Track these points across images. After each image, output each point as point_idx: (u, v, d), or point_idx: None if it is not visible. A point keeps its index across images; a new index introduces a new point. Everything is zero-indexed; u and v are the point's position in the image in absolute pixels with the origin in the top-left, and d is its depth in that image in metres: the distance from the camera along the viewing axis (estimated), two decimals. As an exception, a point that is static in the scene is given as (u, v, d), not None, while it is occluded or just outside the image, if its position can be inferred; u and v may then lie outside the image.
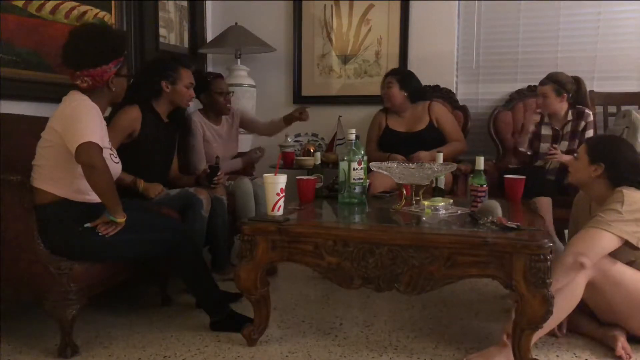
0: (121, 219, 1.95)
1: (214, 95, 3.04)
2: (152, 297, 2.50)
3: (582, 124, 2.93)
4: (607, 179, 2.00)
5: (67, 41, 2.01)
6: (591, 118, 2.95)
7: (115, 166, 2.08)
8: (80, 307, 1.94)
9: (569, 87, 2.96)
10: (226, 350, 1.99)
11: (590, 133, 2.94)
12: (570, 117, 2.96)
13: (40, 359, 1.94)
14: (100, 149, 1.90)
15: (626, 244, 1.86)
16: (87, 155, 1.85)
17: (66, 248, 1.93)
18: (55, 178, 1.96)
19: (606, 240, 1.85)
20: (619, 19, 3.41)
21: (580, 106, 2.98)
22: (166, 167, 2.73)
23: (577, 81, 3.02)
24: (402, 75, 3.34)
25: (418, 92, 3.36)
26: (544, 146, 3.01)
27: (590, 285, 1.88)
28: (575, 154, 2.85)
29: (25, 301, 2.09)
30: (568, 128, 2.97)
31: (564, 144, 2.97)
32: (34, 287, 1.93)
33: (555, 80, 2.94)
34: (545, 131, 3.03)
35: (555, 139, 3.00)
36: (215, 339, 2.09)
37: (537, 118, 3.08)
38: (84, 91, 2.01)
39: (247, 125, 3.33)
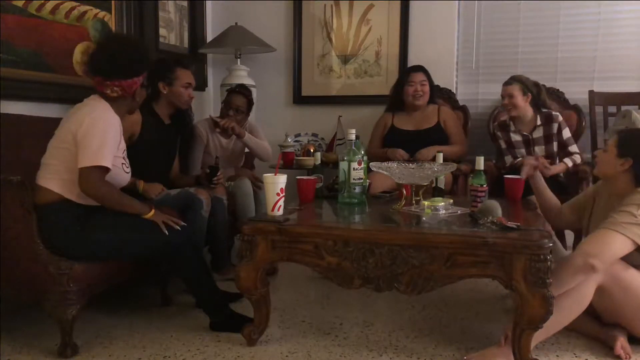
0: (149, 213, 2.03)
1: (222, 106, 3.10)
2: (152, 297, 2.50)
3: (555, 126, 2.95)
4: (632, 174, 1.94)
5: (97, 50, 2.06)
6: (561, 118, 2.98)
7: (124, 176, 2.11)
8: (80, 307, 1.94)
9: (532, 88, 2.99)
10: (226, 350, 1.99)
11: (567, 132, 2.97)
12: (538, 122, 2.98)
13: (40, 359, 1.94)
14: (104, 171, 1.94)
15: (638, 248, 1.84)
16: (86, 182, 1.92)
17: (66, 248, 1.93)
18: (65, 179, 1.97)
19: (618, 242, 1.82)
20: (619, 19, 3.41)
21: (546, 110, 3.02)
22: (166, 169, 2.73)
23: (537, 85, 3.04)
24: (428, 73, 3.34)
25: (434, 92, 3.38)
26: (521, 152, 3.02)
27: (600, 289, 1.86)
28: (574, 156, 2.89)
29: (25, 301, 2.09)
30: (539, 133, 2.98)
31: (540, 149, 2.99)
32: (34, 287, 1.93)
33: (519, 80, 2.97)
34: (516, 137, 3.03)
35: (527, 144, 3.01)
36: (215, 339, 2.09)
37: (500, 135, 3.07)
38: (106, 98, 2.03)
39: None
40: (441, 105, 3.39)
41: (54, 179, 1.97)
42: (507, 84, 2.99)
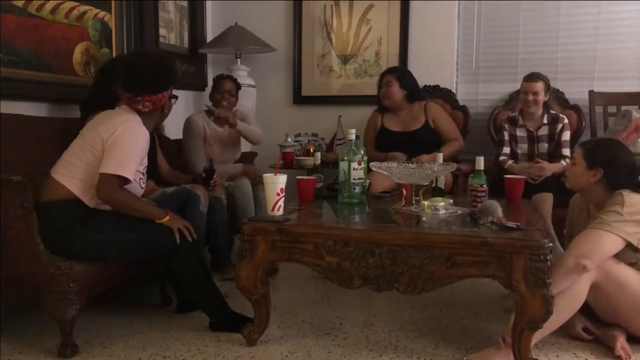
0: (165, 218, 2.04)
1: (212, 94, 3.17)
2: (152, 297, 2.50)
3: (559, 126, 3.01)
4: (605, 183, 1.99)
5: (127, 68, 2.09)
6: (566, 121, 3.04)
7: (139, 190, 2.12)
8: (80, 307, 1.94)
9: (550, 88, 3.06)
10: (226, 350, 1.99)
11: (567, 135, 3.02)
12: (545, 121, 3.03)
13: (40, 359, 1.94)
14: (124, 181, 1.96)
15: (628, 245, 1.86)
16: (105, 188, 1.94)
17: (66, 248, 1.93)
18: (83, 180, 1.99)
19: (608, 241, 1.84)
20: (619, 19, 3.41)
21: (554, 112, 3.08)
22: (151, 163, 2.69)
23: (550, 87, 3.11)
24: (401, 73, 3.35)
25: (415, 91, 3.38)
26: (523, 147, 3.09)
27: (594, 287, 1.87)
28: (564, 160, 2.91)
29: (25, 301, 2.09)
30: (544, 131, 3.04)
31: (543, 146, 3.04)
32: (34, 287, 1.92)
33: (543, 79, 3.02)
34: (521, 133, 3.09)
35: (531, 140, 3.06)
36: (215, 339, 2.09)
37: (507, 127, 3.13)
38: (137, 112, 2.07)
39: None
40: (428, 102, 3.38)
41: (73, 177, 1.98)
42: (532, 80, 3.01)
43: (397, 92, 3.29)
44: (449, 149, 3.17)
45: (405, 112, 3.35)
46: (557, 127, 3.01)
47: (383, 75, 3.39)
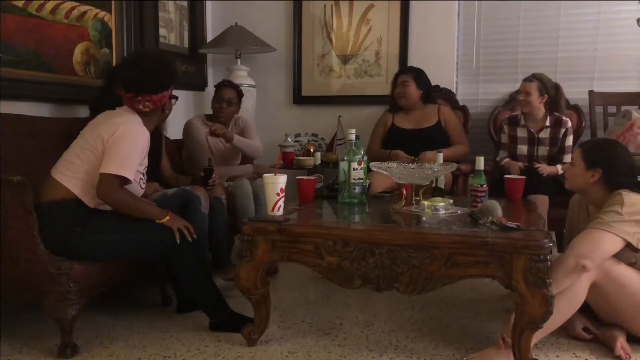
0: (165, 218, 2.04)
1: (212, 101, 3.15)
2: (152, 297, 2.50)
3: (562, 130, 2.98)
4: (604, 183, 1.99)
5: (127, 68, 2.10)
6: (570, 125, 3.00)
7: (139, 191, 2.13)
8: (80, 307, 1.94)
9: (550, 90, 3.00)
10: (226, 350, 1.99)
11: (570, 140, 2.99)
12: (548, 123, 3.00)
13: (40, 359, 1.94)
14: (124, 181, 1.97)
15: (627, 245, 1.86)
16: (105, 188, 1.95)
17: (66, 248, 1.93)
18: (84, 180, 1.99)
19: (608, 241, 1.84)
20: (619, 19, 3.41)
21: (558, 114, 3.03)
22: (155, 165, 2.70)
23: (557, 88, 3.05)
24: (417, 73, 3.36)
25: (430, 91, 3.40)
26: (522, 148, 3.06)
27: (594, 287, 1.87)
28: (562, 161, 2.91)
29: (25, 301, 2.09)
30: (546, 134, 3.01)
31: (544, 149, 3.02)
32: (34, 287, 1.92)
33: (539, 79, 2.98)
34: (522, 134, 3.06)
35: (531, 142, 3.03)
36: (215, 339, 2.09)
37: (506, 129, 3.11)
38: (137, 112, 2.08)
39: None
40: (441, 105, 3.41)
41: (73, 177, 1.99)
42: (527, 80, 3.00)
43: (414, 91, 3.30)
44: (451, 151, 3.16)
45: (418, 112, 3.36)
46: (560, 131, 2.98)
47: (398, 75, 3.39)
